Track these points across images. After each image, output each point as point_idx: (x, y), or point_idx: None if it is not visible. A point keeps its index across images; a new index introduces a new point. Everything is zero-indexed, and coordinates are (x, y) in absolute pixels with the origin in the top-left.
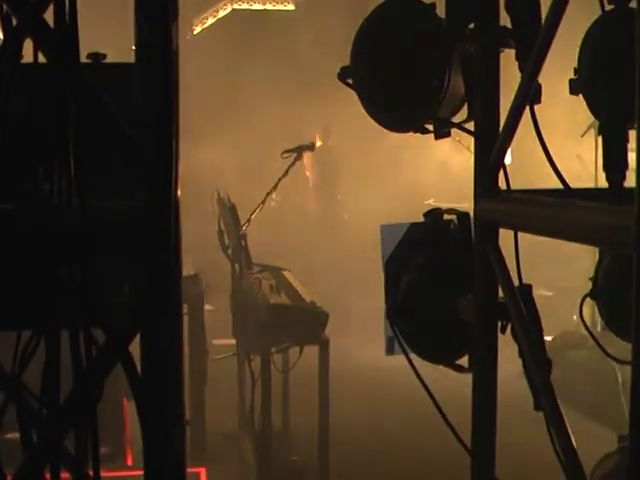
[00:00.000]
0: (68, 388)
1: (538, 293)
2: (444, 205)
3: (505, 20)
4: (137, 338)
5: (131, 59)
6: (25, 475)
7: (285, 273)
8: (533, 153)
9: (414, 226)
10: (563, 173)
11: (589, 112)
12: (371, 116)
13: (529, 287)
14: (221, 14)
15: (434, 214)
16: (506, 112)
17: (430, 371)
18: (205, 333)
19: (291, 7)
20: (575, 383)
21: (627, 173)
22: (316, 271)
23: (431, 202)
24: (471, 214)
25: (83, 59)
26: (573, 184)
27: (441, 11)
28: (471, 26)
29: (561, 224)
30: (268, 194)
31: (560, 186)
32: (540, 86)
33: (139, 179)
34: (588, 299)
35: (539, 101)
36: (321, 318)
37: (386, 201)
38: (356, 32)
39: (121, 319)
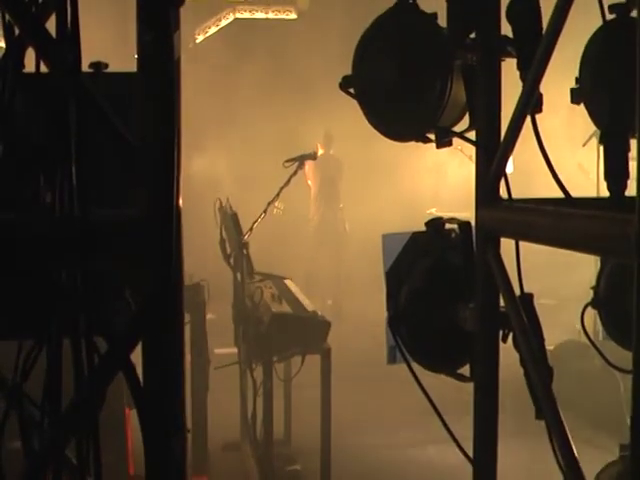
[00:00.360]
0: (70, 396)
1: (540, 302)
2: (447, 214)
3: (506, 29)
4: (139, 347)
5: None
6: None
7: (287, 282)
8: (540, 162)
9: (416, 235)
10: (565, 182)
11: (591, 121)
12: (373, 125)
13: (530, 296)
14: (223, 23)
15: (435, 223)
16: (507, 121)
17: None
18: (207, 342)
19: (293, 16)
20: (577, 392)
21: (628, 182)
22: (318, 280)
23: (433, 211)
24: (473, 223)
25: (85, 68)
26: (575, 193)
27: (442, 21)
28: (472, 36)
29: (562, 233)
30: (270, 203)
31: (562, 195)
32: (541, 95)
33: (141, 188)
34: (590, 308)
35: (540, 110)
36: (323, 327)
37: (388, 209)
38: (358, 41)
39: (123, 328)
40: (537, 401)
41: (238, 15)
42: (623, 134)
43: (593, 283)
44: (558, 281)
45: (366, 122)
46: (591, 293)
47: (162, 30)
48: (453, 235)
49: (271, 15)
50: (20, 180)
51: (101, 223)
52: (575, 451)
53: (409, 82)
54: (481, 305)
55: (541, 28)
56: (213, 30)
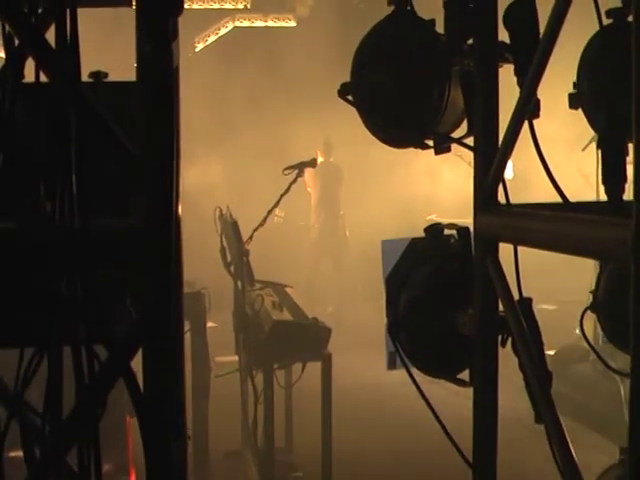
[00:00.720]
0: (71, 404)
1: (540, 307)
2: (447, 220)
3: (503, 35)
4: (140, 354)
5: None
6: None
7: (287, 289)
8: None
9: (415, 241)
10: (565, 187)
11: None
12: (371, 132)
13: (529, 300)
14: (223, 31)
15: (434, 229)
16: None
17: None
18: (208, 350)
19: (292, 24)
20: (578, 396)
21: (626, 186)
22: (319, 287)
23: (434, 217)
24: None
25: (85, 78)
26: (575, 198)
27: (440, 27)
28: (470, 42)
29: (560, 238)
30: (270, 211)
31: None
32: (539, 101)
33: (141, 196)
34: (590, 312)
35: (538, 116)
36: (323, 334)
37: (387, 216)
38: (356, 48)
39: (123, 335)
40: (536, 406)
41: (237, 23)
42: (621, 138)
43: (593, 287)
44: (558, 286)
45: (364, 129)
46: (591, 297)
47: (161, 39)
48: (452, 241)
49: (270, 23)
50: (21, 189)
51: (101, 232)
52: (574, 455)
53: (407, 89)
54: (480, 310)
55: (538, 33)
56: (212, 39)
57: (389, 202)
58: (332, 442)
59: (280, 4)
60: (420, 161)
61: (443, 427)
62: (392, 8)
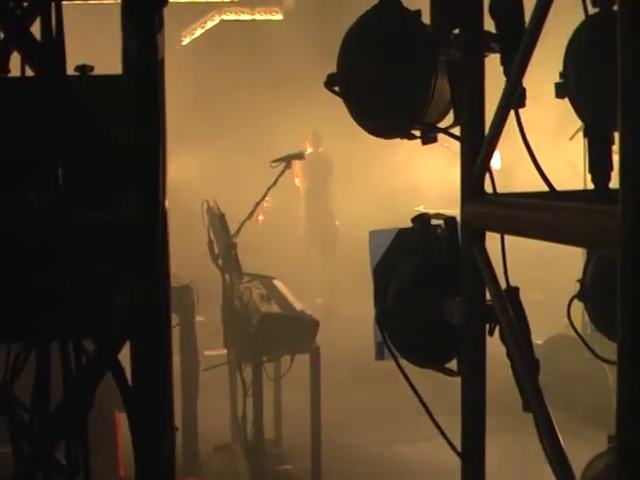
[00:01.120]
0: (60, 399)
1: (529, 297)
2: (435, 211)
3: (490, 25)
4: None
5: None
6: None
7: (275, 282)
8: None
9: (402, 231)
10: (553, 176)
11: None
12: (358, 123)
13: (516, 289)
14: (209, 25)
15: (422, 219)
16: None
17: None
18: (196, 344)
19: (279, 17)
20: (567, 385)
21: (613, 175)
22: (309, 279)
23: (421, 208)
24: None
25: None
26: (563, 187)
27: (426, 18)
28: (456, 32)
29: (547, 226)
30: (258, 203)
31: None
32: (524, 90)
33: (128, 189)
34: (577, 301)
35: (524, 105)
36: (312, 326)
37: (375, 206)
38: (342, 39)
39: (111, 329)
40: (524, 394)
41: (224, 17)
42: (607, 128)
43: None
44: (546, 275)
45: (352, 120)
46: (579, 286)
47: (146, 32)
48: (439, 230)
49: (257, 16)
50: (8, 183)
51: (89, 226)
52: (562, 443)
53: (394, 79)
54: (467, 299)
55: (524, 23)
56: (199, 32)
57: (376, 192)
58: (321, 434)
59: None
60: (405, 152)
61: (431, 416)
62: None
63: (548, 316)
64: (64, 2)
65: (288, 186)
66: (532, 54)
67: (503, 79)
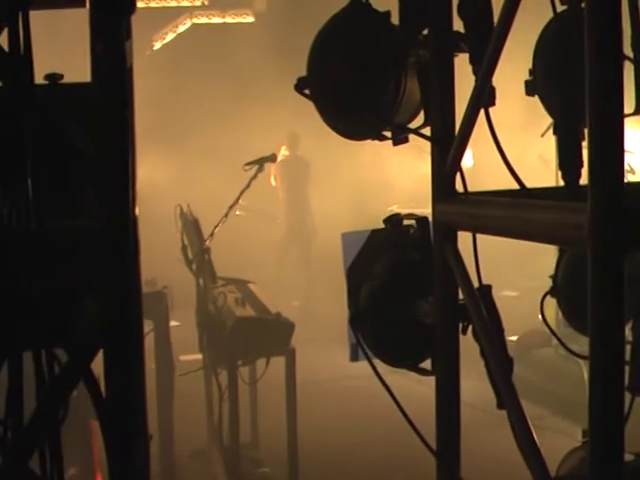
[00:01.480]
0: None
1: (503, 294)
2: (408, 210)
3: (458, 25)
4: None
5: None
6: None
7: (250, 285)
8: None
9: (375, 232)
10: (527, 173)
11: None
12: (329, 125)
13: (488, 287)
14: (181, 29)
15: (394, 219)
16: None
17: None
18: (171, 349)
19: (250, 19)
20: (541, 381)
21: (583, 171)
22: (286, 281)
23: (394, 208)
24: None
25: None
26: (537, 184)
27: (395, 19)
28: (425, 32)
29: (518, 224)
30: (231, 207)
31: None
32: (494, 89)
33: (98, 196)
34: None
35: (493, 104)
36: (287, 329)
37: (354, 207)
38: (312, 42)
39: (82, 337)
40: (498, 391)
41: (195, 20)
42: (576, 124)
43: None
44: (520, 272)
45: (322, 122)
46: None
47: (114, 39)
48: (411, 231)
49: (228, 19)
50: None
51: (58, 233)
52: (537, 440)
53: (363, 81)
54: (440, 299)
55: (492, 22)
56: (171, 36)
57: (349, 192)
58: (297, 436)
59: (237, 0)
60: (372, 150)
61: (406, 417)
62: (348, 0)
63: (523, 312)
64: (32, 11)
65: (262, 189)
66: (501, 53)
67: (472, 78)
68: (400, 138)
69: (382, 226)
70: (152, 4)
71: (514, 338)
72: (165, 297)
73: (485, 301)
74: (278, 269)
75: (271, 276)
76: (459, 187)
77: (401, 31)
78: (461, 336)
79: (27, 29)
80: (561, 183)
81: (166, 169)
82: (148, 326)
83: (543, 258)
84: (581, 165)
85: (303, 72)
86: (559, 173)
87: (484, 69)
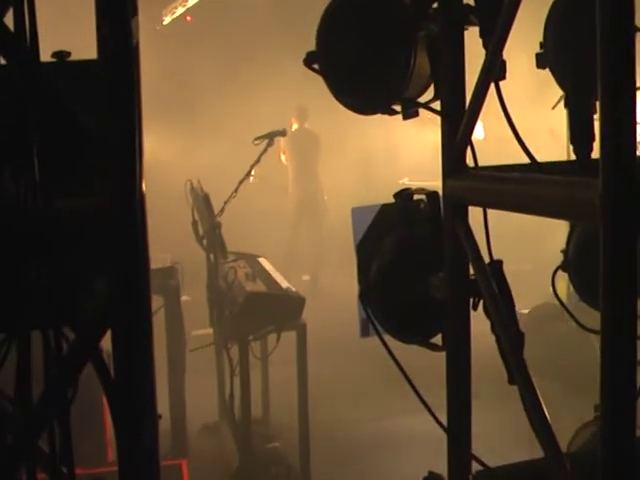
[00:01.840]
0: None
1: (517, 267)
2: (419, 184)
3: None
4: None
5: None
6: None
7: (261, 260)
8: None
9: (385, 207)
10: (538, 147)
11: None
12: (338, 100)
13: (499, 263)
14: (190, 3)
15: (404, 194)
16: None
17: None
18: (183, 324)
19: None
20: (553, 354)
21: (594, 145)
22: (297, 256)
23: (405, 181)
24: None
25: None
26: (547, 158)
27: None
28: (435, 5)
29: (528, 199)
30: (241, 182)
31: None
32: (504, 62)
33: (104, 175)
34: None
35: (504, 77)
36: (297, 303)
37: (364, 180)
38: (321, 16)
39: (91, 316)
40: (509, 366)
41: None
42: (587, 97)
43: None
44: (537, 246)
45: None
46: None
47: (120, 16)
48: (422, 205)
49: None
50: None
51: (66, 213)
52: (548, 415)
53: (373, 55)
54: (451, 274)
55: None
56: (180, 11)
57: (358, 166)
58: (308, 411)
59: None
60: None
61: (416, 391)
62: None
63: (537, 285)
64: None
65: (272, 163)
66: (511, 26)
67: (483, 52)
68: (410, 112)
69: (392, 200)
70: None
71: (526, 311)
72: (176, 273)
73: (496, 276)
74: (289, 244)
75: (282, 251)
76: (469, 162)
77: (411, 5)
78: None
79: (32, 8)
80: (572, 157)
81: (175, 143)
82: (159, 302)
83: (561, 231)
84: (593, 139)
85: (310, 46)
86: (569, 148)
87: (494, 42)
